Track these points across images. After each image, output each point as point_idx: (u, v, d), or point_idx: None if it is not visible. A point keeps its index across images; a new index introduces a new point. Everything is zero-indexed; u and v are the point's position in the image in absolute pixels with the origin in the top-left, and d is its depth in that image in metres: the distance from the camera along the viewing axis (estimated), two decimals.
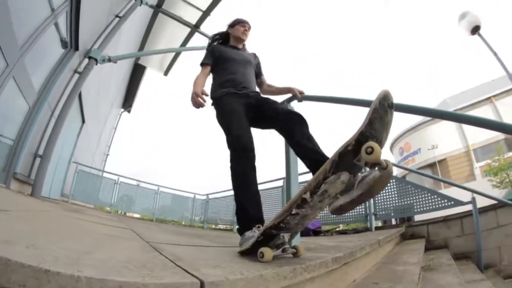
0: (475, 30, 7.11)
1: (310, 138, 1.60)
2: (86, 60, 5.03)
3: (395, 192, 4.60)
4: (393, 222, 6.22)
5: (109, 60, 5.40)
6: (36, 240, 0.81)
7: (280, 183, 6.41)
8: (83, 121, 7.13)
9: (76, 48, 4.55)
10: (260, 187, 5.37)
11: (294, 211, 1.16)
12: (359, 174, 1.15)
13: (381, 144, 1.13)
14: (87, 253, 0.80)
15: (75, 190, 7.44)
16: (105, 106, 10.02)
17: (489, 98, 25.50)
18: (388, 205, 4.65)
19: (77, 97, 5.79)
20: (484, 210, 3.86)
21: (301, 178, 5.51)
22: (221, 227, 9.02)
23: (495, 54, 7.16)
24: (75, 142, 7.06)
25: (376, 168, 1.05)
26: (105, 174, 9.11)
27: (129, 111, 16.47)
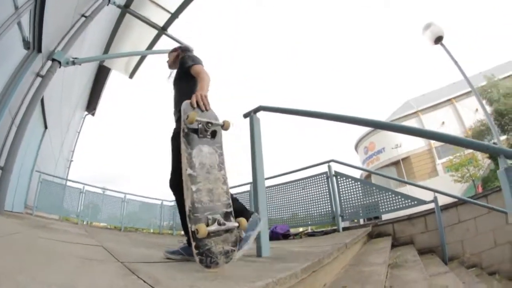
0: (438, 40, 7.65)
1: None
2: (49, 63, 4.73)
3: (361, 193, 4.84)
4: (361, 221, 6.53)
5: (73, 63, 5.17)
6: (17, 278, 0.82)
7: (248, 187, 6.49)
8: (46, 127, 6.77)
9: (39, 50, 4.29)
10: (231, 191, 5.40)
11: (193, 188, 1.35)
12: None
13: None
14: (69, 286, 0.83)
15: (39, 201, 7.07)
16: (68, 110, 9.55)
17: (450, 99, 27.50)
18: (355, 206, 4.88)
19: (40, 102, 5.48)
20: (446, 207, 4.21)
21: (268, 182, 5.69)
22: None
23: (455, 62, 7.74)
24: (37, 150, 6.68)
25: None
26: (69, 183, 8.72)
27: (93, 114, 15.81)
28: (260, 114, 2.42)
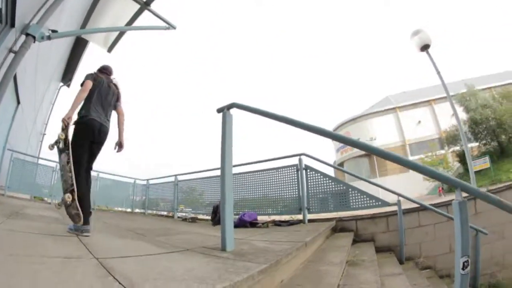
0: (425, 48, 7.86)
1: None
2: (23, 37, 4.50)
3: (329, 189, 5.13)
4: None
5: (49, 37, 4.95)
6: None
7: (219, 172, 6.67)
8: (18, 102, 6.53)
9: (12, 25, 4.10)
10: (203, 174, 6.73)
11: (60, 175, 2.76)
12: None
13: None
14: None
15: (11, 180, 6.89)
16: (43, 82, 9.17)
17: (429, 100, 28.56)
18: (322, 200, 5.19)
19: (12, 78, 5.28)
20: (408, 211, 4.55)
21: (240, 169, 5.87)
22: (163, 214, 9.04)
23: (438, 71, 8.00)
24: (9, 128, 6.47)
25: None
26: (42, 162, 8.48)
27: (68, 86, 15.20)
28: (234, 111, 2.48)
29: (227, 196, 2.31)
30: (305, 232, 3.59)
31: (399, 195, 4.40)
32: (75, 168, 2.58)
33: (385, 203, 4.53)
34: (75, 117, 2.83)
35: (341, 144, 31.83)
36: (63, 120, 2.73)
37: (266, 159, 6.08)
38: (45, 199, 8.16)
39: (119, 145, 3.16)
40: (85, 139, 2.79)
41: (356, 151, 29.10)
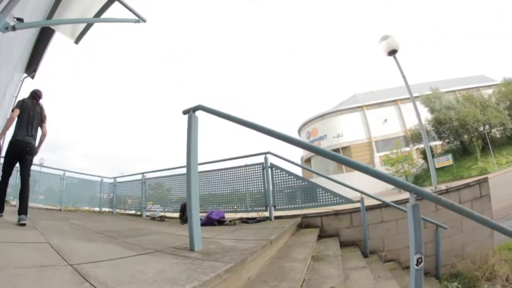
0: (392, 53, 8.13)
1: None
2: None
3: (294, 186, 5.37)
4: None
5: (14, 28, 4.75)
6: None
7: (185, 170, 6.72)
8: None
9: None
10: (170, 172, 7.11)
11: None
12: None
13: None
14: None
15: None
16: (5, 73, 8.63)
17: (395, 100, 29.93)
18: (287, 197, 5.43)
19: None
20: (371, 208, 4.80)
21: (206, 167, 5.93)
22: (131, 213, 8.92)
23: (403, 76, 8.41)
24: None
25: None
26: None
27: (32, 77, 14.33)
28: (199, 113, 2.53)
29: (193, 197, 2.40)
30: (271, 229, 3.74)
31: (362, 192, 4.60)
32: (2, 176, 3.79)
33: (349, 200, 4.79)
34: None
35: (309, 140, 32.60)
36: None
37: (232, 157, 6.19)
38: (10, 200, 7.64)
39: (35, 152, 4.08)
40: (11, 156, 3.80)
41: (323, 147, 29.95)
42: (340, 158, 2.13)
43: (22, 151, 3.80)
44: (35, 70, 14.30)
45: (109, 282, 1.44)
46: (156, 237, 3.39)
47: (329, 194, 5.00)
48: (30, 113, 3.99)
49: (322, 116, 32.89)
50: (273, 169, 5.51)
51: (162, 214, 7.05)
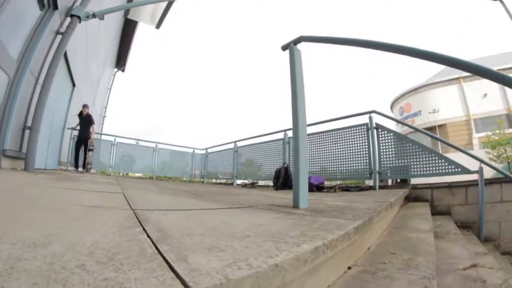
0: None
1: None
2: (69, 19, 4.57)
3: (399, 151, 4.40)
4: (389, 182, 6.10)
5: (94, 16, 4.89)
6: None
7: (281, 135, 6.23)
8: (74, 85, 6.74)
9: (55, 7, 4.09)
10: (260, 139, 6.62)
11: None
12: None
13: None
14: (41, 244, 0.61)
15: (73, 157, 7.22)
16: (96, 67, 9.50)
17: (498, 70, 24.50)
18: (391, 165, 4.49)
19: (64, 60, 5.40)
20: (490, 182, 3.73)
21: (310, 130, 5.33)
22: (222, 182, 8.90)
23: None
24: (67, 108, 6.76)
25: None
26: (102, 137, 8.85)
27: (123, 70, 15.95)
28: (300, 47, 2.11)
29: (300, 140, 1.87)
30: (382, 196, 3.03)
31: (481, 161, 3.74)
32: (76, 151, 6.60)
33: (466, 170, 3.78)
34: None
35: (402, 117, 29.19)
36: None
37: (330, 119, 5.43)
38: (108, 171, 8.52)
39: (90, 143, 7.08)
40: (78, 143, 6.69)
41: (417, 125, 26.23)
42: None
43: (83, 140, 6.67)
44: (124, 64, 15.89)
45: (173, 231, 0.87)
46: (248, 197, 2.86)
47: (443, 161, 4.00)
48: (83, 119, 6.69)
49: (415, 90, 28.98)
50: (379, 130, 4.60)
51: (253, 181, 6.76)
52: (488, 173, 3.89)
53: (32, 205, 1.21)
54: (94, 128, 6.72)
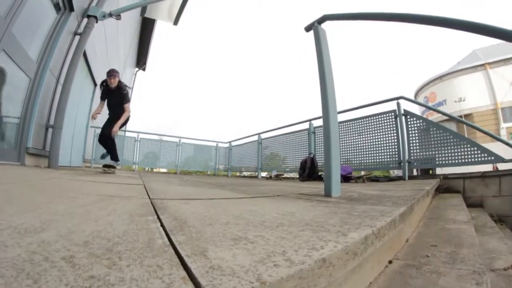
0: None
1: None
2: (86, 20, 4.62)
3: (433, 139, 4.09)
4: (414, 172, 5.71)
5: (110, 15, 4.91)
6: None
7: (306, 125, 6.05)
8: (95, 84, 6.85)
9: (71, 9, 4.13)
10: (285, 130, 6.61)
11: None
12: None
13: None
14: (33, 231, 0.52)
15: (97, 153, 7.12)
16: (116, 66, 9.64)
17: None
18: (419, 154, 4.21)
19: (84, 61, 5.49)
20: None
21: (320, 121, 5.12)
22: (246, 175, 8.72)
23: None
24: (89, 107, 6.85)
25: None
26: (127, 134, 8.90)
27: (143, 69, 16.18)
28: (325, 26, 1.99)
29: (331, 122, 1.74)
30: (415, 185, 2.84)
31: None
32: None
33: (500, 158, 3.55)
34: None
35: (424, 108, 27.97)
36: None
37: (358, 106, 5.16)
38: (132, 166, 8.58)
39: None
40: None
41: (440, 116, 25.30)
42: None
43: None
44: (145, 63, 16.11)
45: (191, 219, 0.75)
46: (274, 187, 2.73)
47: (475, 148, 3.75)
48: (114, 97, 4.34)
49: (440, 78, 27.55)
50: (408, 117, 4.34)
51: (278, 173, 6.57)
52: None
53: (41, 193, 1.13)
54: (129, 109, 4.24)
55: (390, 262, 1.01)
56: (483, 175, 3.68)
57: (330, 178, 1.61)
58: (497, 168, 3.84)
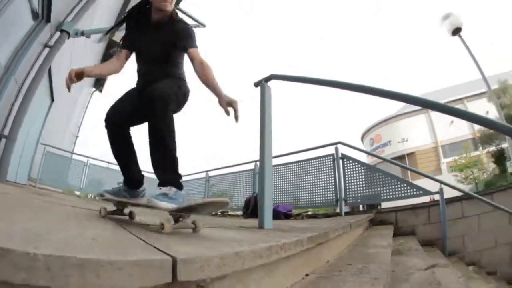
0: (456, 31, 7.37)
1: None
2: (58, 34, 4.67)
3: (364, 179, 4.74)
4: (361, 208, 6.43)
5: (83, 34, 5.07)
6: None
7: (251, 166, 6.41)
8: (52, 100, 6.69)
9: (48, 20, 4.21)
10: (231, 170, 6.63)
11: None
12: None
13: None
14: (48, 233, 0.74)
15: (43, 173, 6.93)
16: (76, 84, 9.44)
17: (461, 99, 26.81)
18: (357, 192, 4.79)
19: (47, 74, 5.42)
20: (451, 201, 4.12)
21: (275, 161, 5.57)
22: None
23: (473, 57, 7.45)
24: (43, 122, 6.60)
25: None
26: (74, 156, 8.57)
27: (100, 91, 15.65)
28: (271, 84, 2.31)
29: (266, 167, 2.11)
30: (345, 220, 3.28)
31: (442, 182, 4.10)
32: None
33: (427, 192, 4.18)
34: None
35: (372, 147, 30.41)
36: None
37: (298, 150, 5.73)
38: (76, 192, 8.15)
39: None
40: None
41: (388, 154, 27.51)
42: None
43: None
44: (102, 85, 15.72)
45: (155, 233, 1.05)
46: (219, 221, 2.99)
47: (405, 185, 4.38)
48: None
49: (386, 121, 30.52)
50: (345, 160, 4.95)
51: (223, 210, 6.76)
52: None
53: (18, 207, 1.32)
54: (206, 64, 1.49)
55: (307, 275, 1.36)
56: (413, 207, 4.31)
57: (263, 212, 1.97)
58: (433, 199, 4.52)
